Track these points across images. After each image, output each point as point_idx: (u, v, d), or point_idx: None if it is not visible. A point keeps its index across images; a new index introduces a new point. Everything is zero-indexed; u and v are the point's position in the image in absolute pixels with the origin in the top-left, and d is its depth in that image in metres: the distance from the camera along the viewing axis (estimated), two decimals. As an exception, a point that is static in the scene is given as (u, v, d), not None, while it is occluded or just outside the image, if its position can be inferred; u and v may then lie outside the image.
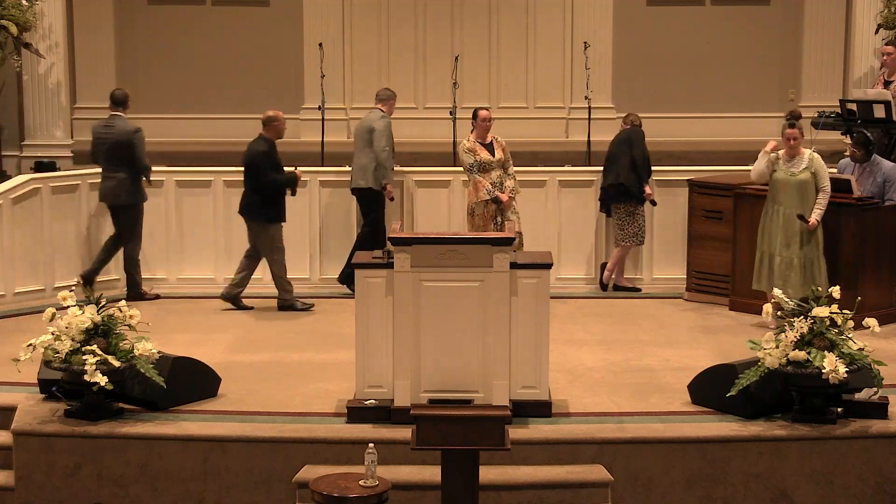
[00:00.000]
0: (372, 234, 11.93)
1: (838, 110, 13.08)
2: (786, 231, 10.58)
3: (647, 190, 12.12)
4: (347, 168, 12.46)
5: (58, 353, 8.35)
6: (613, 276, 12.36)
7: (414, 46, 16.26)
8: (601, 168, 12.43)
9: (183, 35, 16.33)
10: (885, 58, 13.63)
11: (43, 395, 8.87)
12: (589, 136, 14.24)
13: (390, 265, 8.45)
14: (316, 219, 12.44)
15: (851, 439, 8.32)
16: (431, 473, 7.79)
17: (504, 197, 11.63)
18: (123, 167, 11.81)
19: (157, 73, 16.13)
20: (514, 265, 8.45)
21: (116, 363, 8.30)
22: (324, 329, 10.98)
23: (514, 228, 11.03)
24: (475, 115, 11.82)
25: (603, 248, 12.50)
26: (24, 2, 14.29)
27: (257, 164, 11.49)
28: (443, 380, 8.41)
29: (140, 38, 16.33)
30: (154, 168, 12.40)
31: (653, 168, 12.24)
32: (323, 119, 14.25)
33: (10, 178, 12.92)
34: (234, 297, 11.69)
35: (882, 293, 10.97)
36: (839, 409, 8.47)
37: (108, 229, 12.34)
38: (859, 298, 8.88)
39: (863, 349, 8.34)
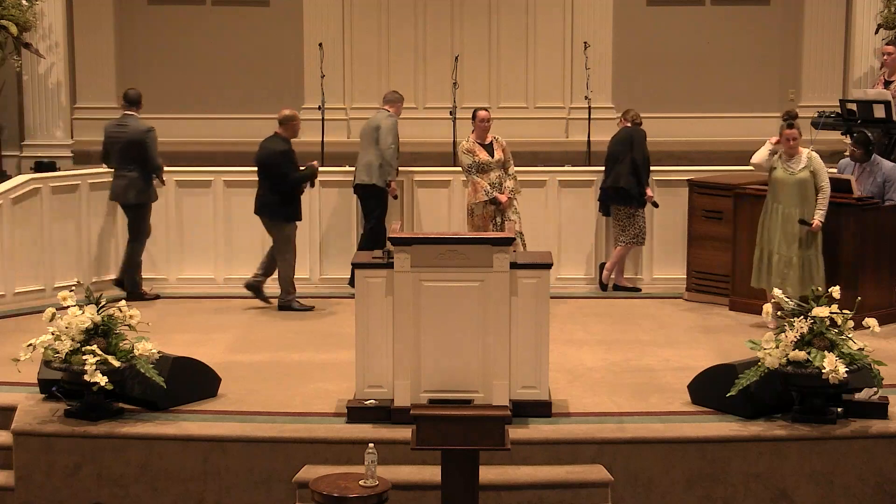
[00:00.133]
0: (375, 232, 11.90)
1: (838, 110, 13.09)
2: (785, 229, 10.58)
3: (649, 192, 12.12)
4: (348, 168, 12.46)
5: (58, 353, 8.35)
6: (613, 276, 12.35)
7: (414, 46, 16.26)
8: (601, 168, 12.42)
9: (183, 35, 16.34)
10: (885, 58, 13.64)
11: (43, 395, 8.87)
12: (589, 136, 14.24)
13: (390, 265, 8.45)
14: (316, 219, 12.44)
15: (851, 439, 8.32)
16: (431, 473, 7.79)
17: (502, 198, 11.63)
18: (135, 166, 11.83)
19: (157, 73, 16.13)
20: (514, 265, 8.45)
21: (116, 363, 8.30)
22: (324, 329, 10.98)
23: (515, 229, 11.03)
24: (474, 116, 11.83)
25: (603, 248, 12.49)
26: (24, 2, 14.29)
27: (278, 163, 11.45)
28: (443, 380, 8.41)
29: (140, 38, 16.33)
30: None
31: (653, 168, 12.24)
32: (323, 119, 14.25)
33: (10, 178, 12.92)
34: (257, 286, 11.71)
35: (882, 293, 10.97)
36: (839, 409, 8.47)
37: (107, 229, 12.35)
38: (859, 298, 8.88)
39: (863, 349, 8.34)
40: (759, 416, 8.51)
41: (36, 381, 8.93)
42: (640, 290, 12.37)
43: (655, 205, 12.18)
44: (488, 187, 11.63)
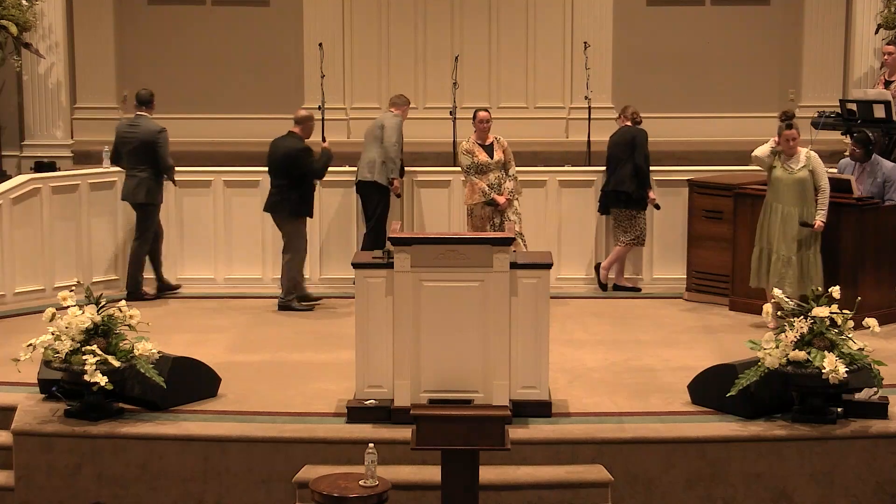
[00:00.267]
0: (377, 231, 11.90)
1: (838, 110, 13.09)
2: (784, 229, 10.58)
3: (651, 195, 12.10)
4: (348, 168, 12.46)
5: (58, 353, 8.35)
6: (613, 276, 12.34)
7: (414, 46, 16.27)
8: (601, 168, 12.42)
9: (183, 35, 16.34)
10: (885, 57, 13.65)
11: (43, 395, 8.87)
12: (589, 136, 14.23)
13: (390, 265, 8.45)
14: (317, 219, 12.41)
15: (851, 439, 8.32)
16: (431, 473, 7.79)
17: (500, 199, 11.61)
18: (147, 166, 11.84)
19: (156, 73, 16.11)
20: (514, 265, 8.45)
21: (116, 363, 8.30)
22: (324, 329, 10.98)
23: (514, 230, 11.03)
24: (474, 117, 11.83)
25: (603, 248, 12.49)
26: (24, 2, 14.29)
27: (298, 159, 11.47)
28: (443, 380, 8.41)
29: (140, 38, 16.34)
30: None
31: (653, 168, 12.22)
32: (323, 119, 14.23)
33: (10, 178, 12.91)
34: (307, 297, 11.73)
35: (882, 293, 10.97)
36: (839, 409, 8.47)
37: (107, 229, 12.35)
38: (859, 298, 8.89)
39: (863, 349, 8.34)
40: (759, 416, 8.51)
41: (36, 381, 8.92)
42: (640, 290, 12.36)
43: (657, 207, 12.17)
44: (486, 188, 11.62)
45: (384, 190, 12.09)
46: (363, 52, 16.23)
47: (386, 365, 8.50)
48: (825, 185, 10.55)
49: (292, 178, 11.49)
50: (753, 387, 8.37)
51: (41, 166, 13.90)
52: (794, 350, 8.26)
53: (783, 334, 8.35)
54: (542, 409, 8.55)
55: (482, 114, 11.80)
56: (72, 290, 8.60)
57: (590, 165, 13.47)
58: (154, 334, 8.65)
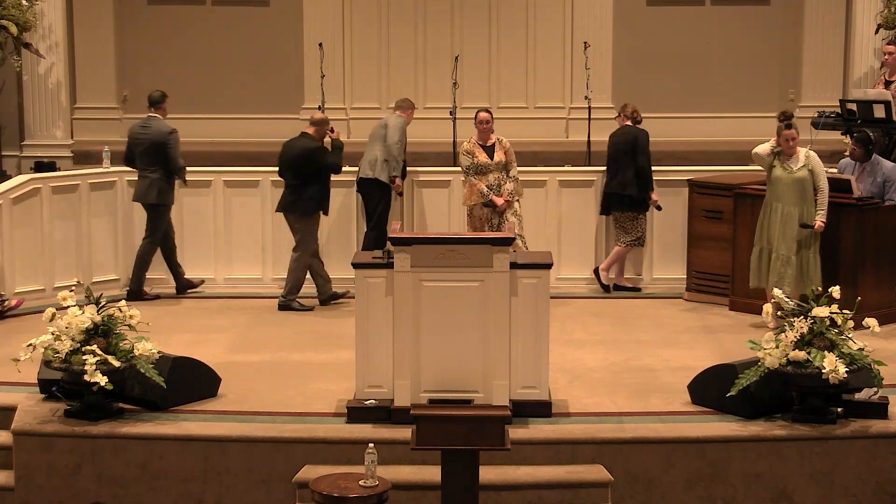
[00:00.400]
0: (378, 230, 11.90)
1: (838, 110, 13.09)
2: (784, 228, 10.58)
3: (654, 197, 12.09)
4: (349, 168, 12.46)
5: (58, 353, 8.35)
6: (613, 276, 12.34)
7: (414, 46, 16.27)
8: (601, 168, 12.42)
9: (183, 35, 16.34)
10: (886, 57, 13.65)
11: (43, 395, 8.87)
12: (589, 136, 14.24)
13: (390, 265, 8.45)
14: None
15: (851, 439, 8.32)
16: (431, 473, 7.79)
17: (499, 201, 11.60)
18: (158, 167, 11.86)
19: (156, 73, 16.11)
20: (514, 265, 8.45)
21: (116, 363, 8.30)
22: (324, 329, 10.98)
23: (514, 230, 11.01)
24: (475, 117, 11.83)
25: (603, 248, 12.48)
26: (24, 2, 14.29)
27: (314, 157, 11.54)
28: (443, 380, 8.41)
29: (140, 38, 16.34)
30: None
31: (653, 168, 12.21)
32: (323, 119, 14.24)
33: (10, 178, 12.92)
34: (327, 296, 11.73)
35: (882, 293, 10.97)
36: (839, 409, 8.47)
37: (107, 229, 12.35)
38: (859, 298, 8.89)
39: (863, 349, 8.34)
40: (759, 416, 8.51)
41: (36, 381, 8.92)
42: (640, 290, 12.36)
43: (659, 208, 12.16)
44: (485, 189, 11.61)
45: (385, 187, 12.09)
46: (363, 52, 16.23)
47: (386, 365, 8.50)
48: (824, 185, 10.55)
49: (306, 177, 11.53)
50: (753, 387, 8.37)
51: (41, 166, 13.90)
52: (794, 350, 8.26)
53: (783, 334, 8.35)
54: (542, 409, 8.55)
55: (482, 115, 11.80)
56: (72, 290, 8.60)
57: (590, 165, 13.48)
58: (154, 334, 8.65)
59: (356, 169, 12.30)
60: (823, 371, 8.13)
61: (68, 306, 8.47)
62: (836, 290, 8.44)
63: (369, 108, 15.77)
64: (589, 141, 14.21)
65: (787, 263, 10.55)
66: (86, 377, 8.17)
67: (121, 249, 12.40)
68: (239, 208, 12.49)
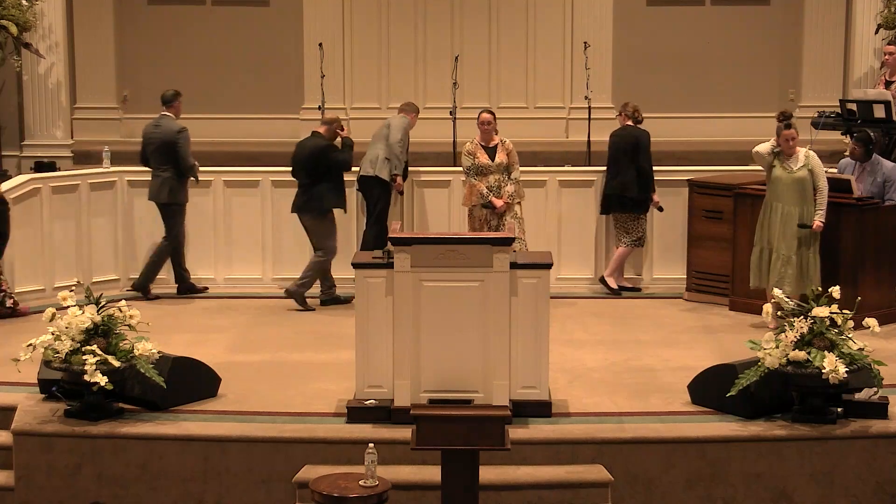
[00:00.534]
0: (378, 228, 11.89)
1: (838, 110, 13.09)
2: (784, 228, 10.59)
3: (655, 198, 12.08)
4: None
5: (58, 353, 8.35)
6: (614, 277, 12.33)
7: (414, 46, 16.26)
8: (601, 168, 12.41)
9: (183, 35, 16.34)
10: (886, 57, 13.66)
11: (43, 395, 8.87)
12: (589, 136, 14.24)
13: (390, 265, 8.45)
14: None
15: (851, 439, 8.32)
16: (431, 473, 7.79)
17: (498, 203, 11.58)
18: (169, 166, 11.91)
19: (156, 73, 16.12)
20: (514, 265, 8.45)
21: (116, 363, 8.30)
22: (324, 329, 10.98)
23: (513, 232, 10.99)
24: (478, 118, 11.83)
25: (603, 248, 12.48)
26: (24, 2, 14.29)
27: (326, 154, 11.60)
28: (443, 380, 8.41)
29: (140, 38, 16.34)
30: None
31: (654, 168, 12.20)
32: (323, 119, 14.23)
33: (10, 177, 12.92)
34: (329, 298, 11.74)
35: (882, 293, 10.97)
36: (839, 409, 8.47)
37: (107, 229, 12.34)
38: (859, 298, 8.89)
39: (863, 349, 8.34)
40: (759, 416, 8.51)
41: (36, 381, 8.92)
42: (640, 290, 12.35)
43: (661, 209, 12.15)
44: (485, 190, 11.60)
45: (385, 185, 12.10)
46: (363, 52, 16.23)
47: (386, 365, 8.50)
48: (824, 185, 10.56)
49: (317, 175, 11.57)
50: (753, 387, 8.37)
51: (41, 166, 13.90)
52: (794, 350, 8.26)
53: (783, 334, 8.35)
54: (542, 409, 8.55)
55: (484, 115, 11.78)
56: (72, 290, 8.60)
57: (590, 165, 13.47)
58: (154, 334, 8.65)
59: (357, 169, 12.30)
60: (823, 371, 8.13)
61: (68, 306, 8.47)
62: (836, 290, 8.44)
63: (369, 108, 15.77)
64: (589, 141, 14.20)
65: (787, 263, 10.55)
66: (86, 377, 8.17)
67: (121, 249, 12.40)
68: (239, 208, 12.49)
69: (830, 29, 15.96)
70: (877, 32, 15.00)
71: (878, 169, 11.20)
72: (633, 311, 11.66)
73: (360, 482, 7.37)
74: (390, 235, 8.70)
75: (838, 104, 13.22)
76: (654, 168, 12.19)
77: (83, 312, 8.43)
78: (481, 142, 11.75)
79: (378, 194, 12.11)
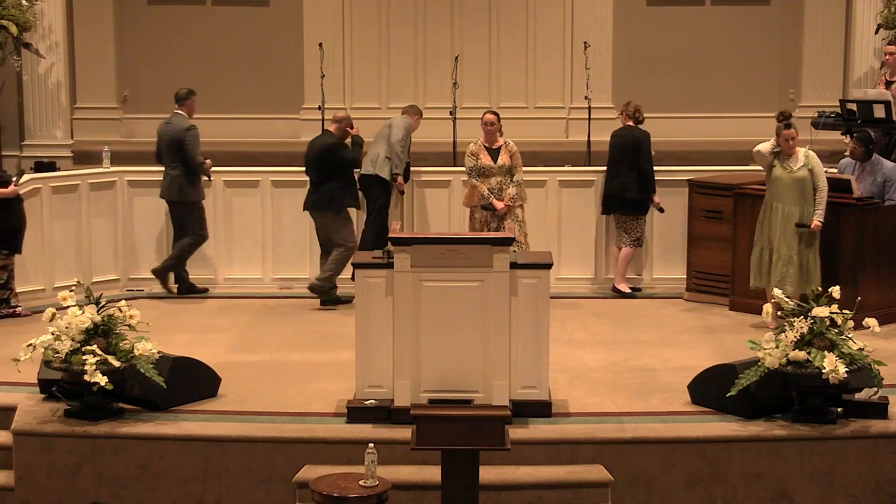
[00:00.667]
0: (377, 227, 11.90)
1: (838, 110, 13.08)
2: (785, 228, 10.59)
3: (655, 199, 12.07)
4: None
5: (58, 353, 8.35)
6: (614, 277, 12.32)
7: (414, 46, 16.26)
8: (601, 168, 12.42)
9: (183, 35, 16.33)
10: (886, 57, 13.66)
11: (43, 395, 8.87)
12: (589, 136, 14.23)
13: (390, 265, 8.45)
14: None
15: (851, 439, 8.32)
16: (431, 473, 7.79)
17: (499, 205, 11.56)
18: (179, 164, 11.93)
19: (156, 73, 16.12)
20: (514, 265, 8.45)
21: (116, 363, 8.30)
22: (324, 329, 10.98)
23: (513, 231, 10.99)
24: (482, 118, 11.82)
25: (603, 248, 12.48)
26: (24, 2, 14.29)
27: (334, 152, 11.65)
28: (443, 380, 8.41)
29: (140, 38, 16.33)
30: (152, 168, 12.44)
31: (654, 168, 12.19)
32: (323, 119, 14.23)
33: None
34: (331, 299, 11.74)
35: (882, 293, 10.97)
36: (839, 409, 8.47)
37: (108, 229, 12.34)
38: (859, 298, 8.89)
39: (863, 349, 8.34)
40: (759, 416, 8.51)
41: (36, 381, 8.93)
42: (640, 290, 12.34)
43: (661, 210, 12.15)
44: (486, 192, 11.58)
45: (385, 183, 12.11)
46: (363, 52, 16.22)
47: (386, 365, 8.50)
48: (823, 184, 10.56)
49: (327, 173, 11.60)
50: (753, 387, 8.37)
51: (41, 166, 13.89)
52: (794, 350, 8.26)
53: (783, 334, 8.35)
54: (542, 409, 8.55)
55: (488, 116, 11.75)
56: (72, 290, 8.60)
57: (590, 165, 13.47)
58: (154, 334, 8.65)
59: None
60: (823, 371, 8.13)
61: (68, 306, 8.47)
62: (836, 290, 8.44)
63: (369, 108, 15.76)
64: (589, 141, 14.20)
65: (788, 263, 10.55)
66: (86, 377, 8.17)
67: (121, 249, 12.40)
68: (239, 208, 12.49)
69: (830, 29, 15.95)
70: (877, 32, 15.00)
71: (878, 169, 11.20)
72: (633, 311, 11.67)
73: (360, 482, 7.38)
74: (390, 235, 8.70)
75: (838, 104, 13.22)
76: (655, 168, 12.18)
77: (83, 312, 8.43)
78: (485, 143, 11.73)
79: (378, 193, 12.12)
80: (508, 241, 8.54)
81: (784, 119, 10.80)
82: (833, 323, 8.39)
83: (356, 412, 8.50)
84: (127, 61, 16.33)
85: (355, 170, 12.10)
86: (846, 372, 8.15)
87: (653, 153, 12.17)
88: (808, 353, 8.23)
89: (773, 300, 8.93)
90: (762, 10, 16.39)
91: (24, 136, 15.31)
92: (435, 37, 16.21)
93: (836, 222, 10.72)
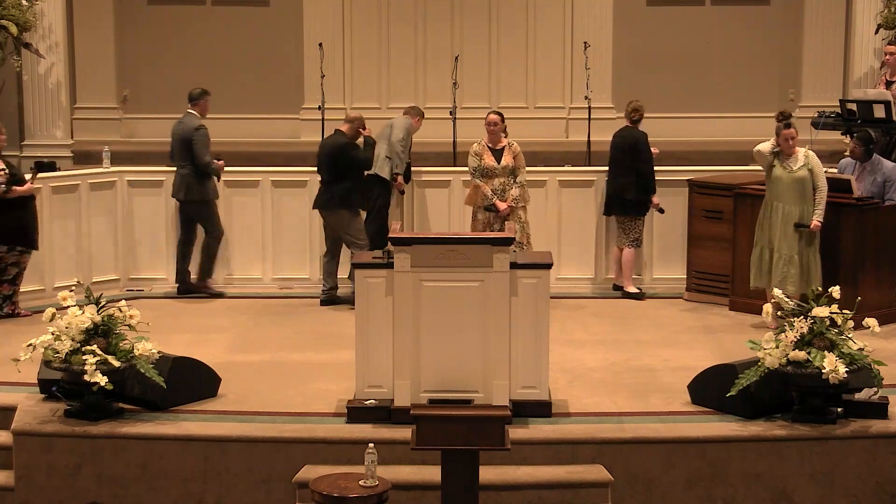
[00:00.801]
0: (377, 226, 11.90)
1: (838, 110, 13.08)
2: (785, 228, 10.59)
3: (655, 200, 12.06)
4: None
5: (58, 353, 8.35)
6: (614, 277, 12.33)
7: (414, 46, 16.26)
8: (601, 168, 12.42)
9: (183, 35, 16.34)
10: (887, 57, 13.66)
11: (43, 395, 8.87)
12: (589, 136, 14.23)
13: (390, 265, 8.45)
14: (316, 218, 12.41)
15: (851, 439, 8.32)
16: (431, 473, 7.79)
17: (501, 205, 11.55)
18: (188, 163, 11.95)
19: (157, 73, 16.13)
20: (514, 265, 8.45)
21: (116, 363, 8.30)
22: (324, 329, 10.98)
23: (514, 231, 10.98)
24: (486, 118, 11.81)
25: (603, 248, 12.47)
26: (24, 2, 14.29)
27: (345, 152, 11.65)
28: (443, 380, 8.41)
29: (140, 38, 16.33)
30: (152, 168, 12.43)
31: (655, 168, 12.18)
32: (323, 119, 14.25)
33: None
34: (331, 299, 11.77)
35: (882, 293, 10.97)
36: (839, 409, 8.47)
37: (107, 229, 12.34)
38: (859, 298, 8.89)
39: (863, 349, 8.34)
40: (759, 416, 8.51)
41: (36, 381, 8.92)
42: (640, 290, 12.33)
43: (661, 210, 12.15)
44: (489, 192, 11.57)
45: (385, 183, 12.11)
46: (363, 52, 16.23)
47: (386, 365, 8.50)
48: (823, 184, 10.56)
49: (338, 173, 11.61)
50: (753, 387, 8.37)
51: (41, 166, 13.88)
52: (794, 350, 8.26)
53: (783, 334, 8.35)
54: (542, 409, 8.55)
55: (491, 116, 11.74)
56: (72, 290, 8.60)
57: (590, 165, 13.47)
58: (154, 334, 8.65)
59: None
60: (823, 371, 8.13)
61: (68, 306, 8.47)
62: (836, 290, 8.44)
63: (369, 108, 15.74)
64: (589, 141, 14.20)
65: (789, 263, 10.55)
66: (86, 377, 8.17)
67: (121, 249, 12.39)
68: (239, 208, 12.48)
69: (830, 29, 15.96)
70: (877, 32, 15.00)
71: (878, 169, 11.20)
72: (633, 311, 11.67)
73: (360, 482, 7.37)
74: (390, 235, 8.70)
75: (838, 104, 13.22)
76: (655, 168, 12.16)
77: (83, 312, 8.43)
78: (488, 143, 11.71)
79: (378, 192, 12.12)
80: (508, 242, 8.53)
81: (784, 119, 10.81)
82: (833, 323, 8.39)
83: (356, 412, 8.50)
84: (127, 61, 16.33)
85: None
86: (846, 372, 8.15)
87: (655, 152, 12.16)
88: (808, 353, 8.23)
89: (773, 300, 8.93)
90: (762, 10, 16.39)
91: (24, 136, 15.31)
92: (435, 37, 16.22)
93: (836, 222, 10.73)
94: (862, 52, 15.36)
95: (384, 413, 8.45)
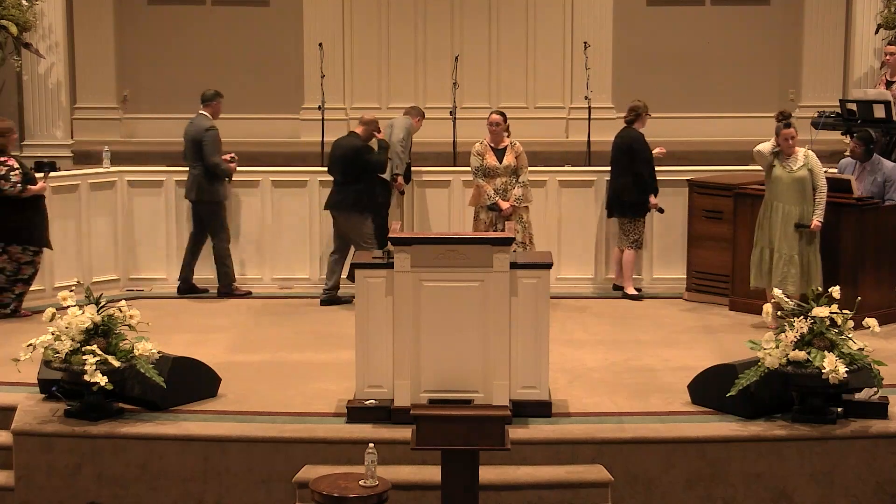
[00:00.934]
0: (377, 221, 11.90)
1: (838, 110, 13.08)
2: (785, 227, 10.59)
3: (653, 200, 12.05)
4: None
5: (58, 353, 8.35)
6: (614, 277, 12.33)
7: (414, 46, 16.27)
8: (601, 168, 12.43)
9: (183, 35, 16.34)
10: (887, 57, 13.65)
11: (43, 395, 8.87)
12: (589, 136, 14.24)
13: (390, 265, 8.45)
14: (316, 218, 12.43)
15: (851, 439, 8.32)
16: (431, 473, 7.79)
17: (504, 205, 11.54)
18: (199, 164, 11.97)
19: (156, 73, 16.13)
20: (514, 265, 8.45)
21: (116, 363, 8.30)
22: (324, 329, 10.98)
23: (514, 231, 10.97)
24: (488, 118, 11.81)
25: (604, 248, 12.47)
26: (24, 2, 14.29)
27: (360, 155, 11.64)
28: (443, 380, 8.41)
29: (140, 38, 16.34)
30: (152, 168, 12.42)
31: (655, 168, 12.17)
32: (323, 119, 14.25)
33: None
34: (331, 299, 11.76)
35: (882, 293, 10.97)
36: (839, 409, 8.47)
37: (107, 229, 12.34)
38: (859, 298, 8.89)
39: (863, 349, 8.34)
40: (759, 416, 8.51)
41: (36, 381, 8.92)
42: (640, 290, 12.33)
43: (661, 211, 12.14)
44: (491, 192, 11.56)
45: (386, 183, 12.11)
46: (363, 52, 16.23)
47: (386, 365, 8.50)
48: (823, 184, 10.56)
49: (351, 175, 11.60)
50: (753, 387, 8.37)
51: (41, 166, 13.88)
52: (794, 350, 8.26)
53: (783, 334, 8.35)
54: (542, 409, 8.55)
55: (493, 116, 11.73)
56: (72, 290, 8.60)
57: (590, 165, 13.47)
58: (154, 334, 8.65)
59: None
60: (823, 371, 8.13)
61: (68, 306, 8.47)
62: (836, 290, 8.44)
63: (369, 109, 15.72)
64: (589, 141, 14.21)
65: (790, 263, 10.55)
66: (86, 377, 8.17)
67: (121, 249, 12.39)
68: (238, 208, 12.48)
69: (830, 29, 15.96)
70: (877, 32, 15.00)
71: (878, 169, 11.20)
72: (633, 311, 11.66)
73: (360, 482, 7.37)
74: (390, 235, 8.70)
75: (838, 104, 13.21)
76: (655, 168, 12.13)
77: (83, 312, 8.43)
78: (490, 143, 11.71)
79: (378, 192, 12.10)
80: (508, 241, 8.53)
81: (784, 119, 10.80)
82: (833, 323, 8.39)
83: (356, 412, 8.50)
84: (127, 61, 16.34)
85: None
86: (846, 372, 8.15)
87: (662, 153, 12.15)
88: (808, 353, 8.23)
89: (773, 300, 8.93)
90: (762, 10, 16.40)
91: (24, 136, 15.30)
92: (435, 37, 16.22)
93: (836, 222, 10.73)
94: (862, 52, 15.37)
95: (384, 413, 8.45)
